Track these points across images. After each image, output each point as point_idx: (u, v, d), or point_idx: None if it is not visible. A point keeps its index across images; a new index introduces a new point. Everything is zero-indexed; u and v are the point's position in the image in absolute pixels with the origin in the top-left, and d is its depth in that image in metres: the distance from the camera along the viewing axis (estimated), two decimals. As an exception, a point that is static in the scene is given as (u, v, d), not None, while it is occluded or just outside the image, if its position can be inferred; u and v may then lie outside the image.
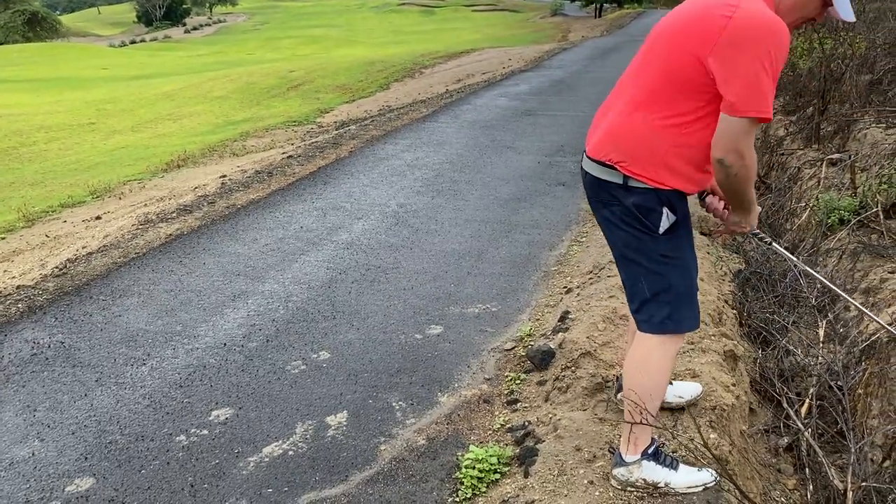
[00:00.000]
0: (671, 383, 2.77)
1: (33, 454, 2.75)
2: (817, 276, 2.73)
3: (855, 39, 7.35)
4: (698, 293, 3.28)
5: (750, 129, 1.95)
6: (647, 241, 2.15)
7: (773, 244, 2.48)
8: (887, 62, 7.02)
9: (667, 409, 2.72)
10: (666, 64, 2.05)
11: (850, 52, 6.62)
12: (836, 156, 5.46)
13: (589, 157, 2.23)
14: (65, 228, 6.25)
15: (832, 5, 2.02)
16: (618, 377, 2.85)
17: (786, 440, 3.41)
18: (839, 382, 3.58)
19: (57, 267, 4.66)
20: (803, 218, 5.13)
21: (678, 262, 2.17)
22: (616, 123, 2.18)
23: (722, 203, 2.36)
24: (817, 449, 2.96)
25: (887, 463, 2.91)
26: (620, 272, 2.33)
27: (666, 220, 2.11)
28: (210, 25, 74.94)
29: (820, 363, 3.66)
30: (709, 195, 2.40)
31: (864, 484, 2.54)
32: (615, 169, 2.12)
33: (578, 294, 3.97)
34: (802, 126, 6.80)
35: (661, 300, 2.18)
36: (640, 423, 2.22)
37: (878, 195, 4.61)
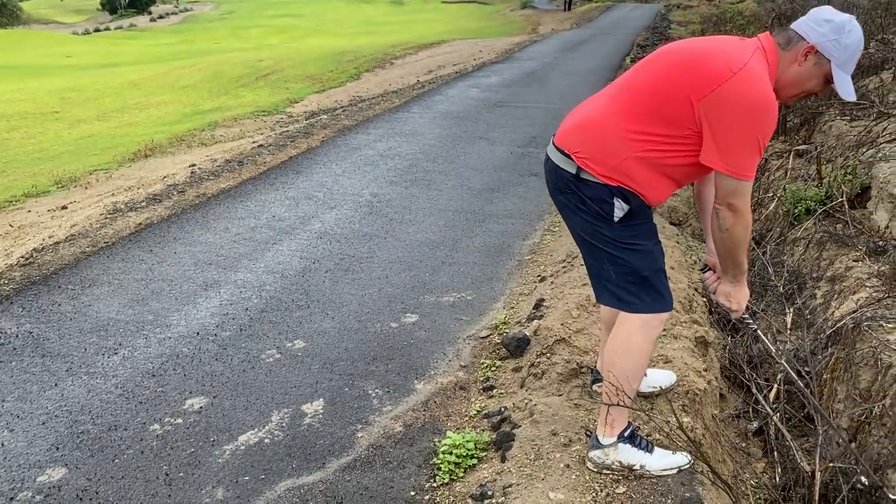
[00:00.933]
0: (645, 373, 2.81)
1: (2, 445, 2.70)
2: (797, 380, 2.84)
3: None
4: (669, 281, 3.33)
5: (738, 188, 2.03)
6: (604, 227, 2.21)
7: (759, 332, 2.63)
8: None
9: (641, 396, 2.76)
10: (656, 86, 2.11)
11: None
12: (802, 147, 5.56)
13: (554, 144, 2.29)
14: (29, 218, 6.12)
15: (833, 83, 2.05)
16: (592, 368, 2.88)
17: (755, 424, 3.49)
18: (806, 368, 3.67)
19: (23, 256, 4.57)
20: (771, 208, 5.22)
21: (639, 248, 2.22)
22: (590, 119, 2.24)
23: (715, 276, 2.45)
24: (785, 433, 3.03)
25: (853, 445, 2.98)
26: (584, 256, 2.39)
27: (619, 210, 2.17)
28: (176, 14, 73.68)
29: (787, 349, 3.73)
30: (708, 270, 2.50)
31: (830, 465, 2.60)
32: (572, 159, 2.17)
33: (552, 282, 4.01)
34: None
35: (629, 282, 2.23)
36: (619, 405, 2.26)
37: (842, 185, 4.71)
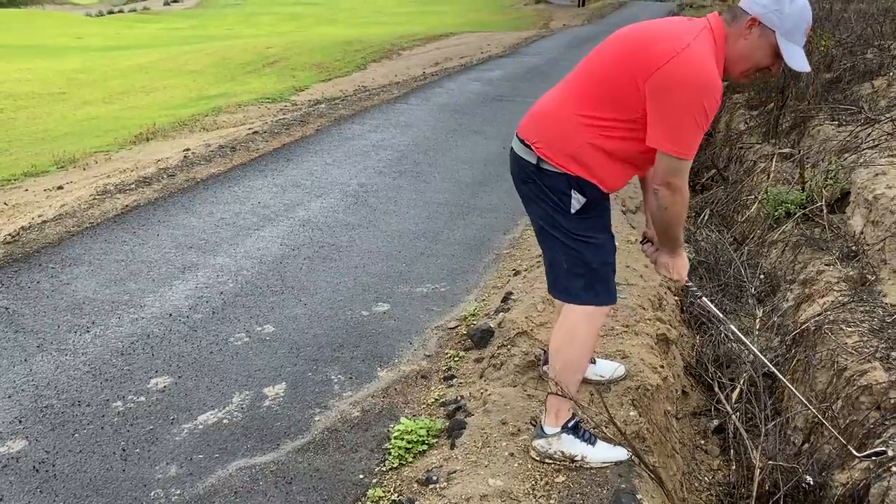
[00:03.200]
0: (594, 361, 2.87)
1: (-33, 416, 2.77)
2: (746, 342, 2.87)
3: (819, 36, 7.48)
4: (640, 278, 3.37)
5: (678, 166, 2.08)
6: (561, 218, 2.26)
7: (704, 299, 2.67)
8: (847, 61, 7.15)
9: (589, 384, 2.81)
10: (606, 72, 2.16)
11: (810, 48, 6.73)
12: (786, 150, 5.58)
13: (516, 135, 2.34)
14: (25, 197, 6.20)
15: (781, 55, 2.07)
16: (545, 350, 2.93)
17: (715, 423, 3.53)
18: (769, 369, 3.71)
19: (10, 234, 4.64)
20: (752, 210, 5.24)
21: (592, 241, 2.27)
22: (545, 109, 2.30)
23: (653, 247, 2.51)
24: (742, 430, 3.08)
25: (806, 446, 3.03)
26: (540, 244, 2.44)
27: (576, 202, 2.21)
28: (191, -2, 73.68)
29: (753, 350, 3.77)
30: (647, 242, 2.57)
31: (770, 462, 2.64)
32: (531, 149, 2.22)
33: (525, 276, 4.05)
34: (762, 121, 6.92)
35: (577, 273, 2.28)
36: (560, 394, 2.31)
37: (823, 190, 4.73)
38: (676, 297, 4.19)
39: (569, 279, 2.31)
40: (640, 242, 2.62)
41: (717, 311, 2.75)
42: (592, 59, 2.25)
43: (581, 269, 2.29)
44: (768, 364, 2.83)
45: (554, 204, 2.25)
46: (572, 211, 2.23)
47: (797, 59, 2.07)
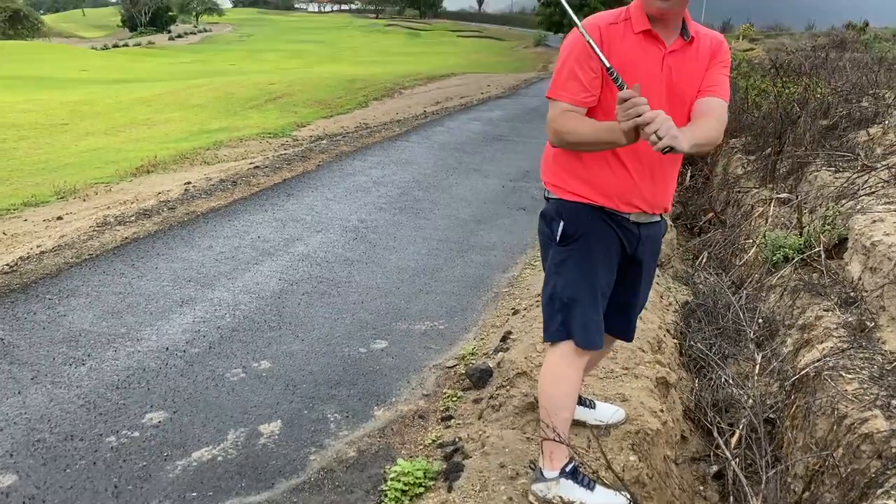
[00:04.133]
0: (593, 406, 2.84)
1: (-42, 448, 2.73)
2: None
3: (815, 83, 7.59)
4: (639, 320, 3.36)
5: (552, 108, 2.18)
6: (550, 248, 2.34)
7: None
8: (843, 108, 7.25)
9: (587, 428, 2.78)
10: None
11: (806, 95, 6.84)
12: (784, 195, 5.62)
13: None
14: (24, 227, 6.20)
15: None
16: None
17: (714, 468, 3.49)
18: (769, 415, 3.69)
19: (7, 264, 4.63)
20: (751, 254, 5.26)
21: (564, 273, 2.28)
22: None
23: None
24: (742, 477, 3.04)
25: (807, 494, 2.99)
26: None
27: (560, 229, 2.27)
28: (195, 34, 74.76)
29: (753, 395, 3.75)
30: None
31: (771, 510, 2.60)
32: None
33: (524, 316, 4.04)
34: (759, 165, 6.98)
35: (553, 307, 2.30)
36: (551, 438, 2.28)
37: (821, 236, 4.75)
38: (675, 341, 4.18)
39: (548, 315, 2.35)
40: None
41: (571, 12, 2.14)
42: None
43: (556, 304, 2.31)
44: None
45: (546, 236, 2.34)
46: (557, 239, 2.29)
47: None
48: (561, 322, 2.28)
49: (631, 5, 2.15)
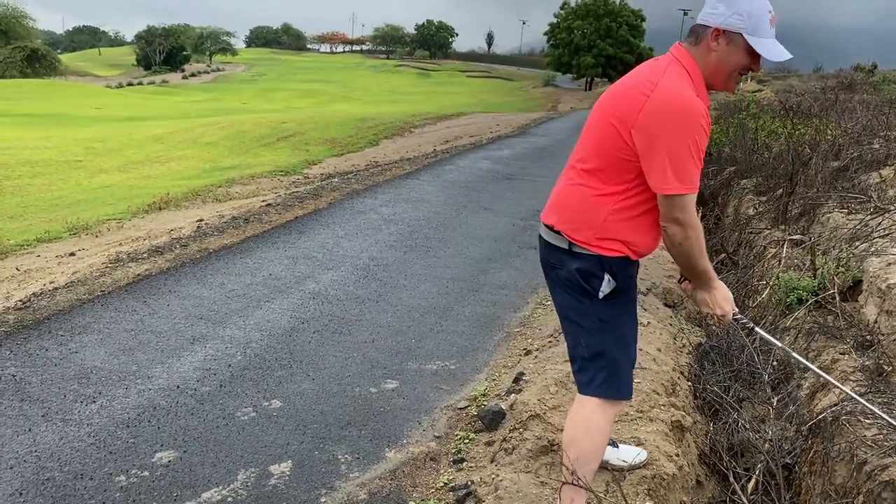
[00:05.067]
0: (617, 446, 2.81)
1: (-33, 487, 2.71)
2: (801, 359, 2.76)
3: (825, 125, 7.62)
4: (653, 362, 3.33)
5: (680, 203, 2.06)
6: (588, 304, 2.23)
7: (756, 328, 2.53)
8: (854, 150, 7.27)
9: (608, 470, 2.74)
10: (597, 138, 2.19)
11: (817, 136, 6.86)
12: (797, 237, 5.60)
13: (542, 222, 2.34)
14: (37, 263, 6.23)
15: (757, 52, 2.09)
16: None
17: (731, 515, 3.42)
18: (786, 460, 3.62)
19: (21, 300, 4.65)
20: (764, 295, 5.22)
21: (615, 329, 2.24)
22: (560, 193, 2.32)
23: (692, 284, 2.42)
24: (760, 525, 2.98)
25: (827, 542, 2.92)
26: (565, 334, 2.40)
27: (607, 285, 2.19)
28: (208, 73, 76.02)
29: (769, 440, 3.69)
30: (685, 279, 2.47)
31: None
32: (562, 235, 2.22)
33: (536, 356, 4.01)
34: (771, 206, 6.98)
35: (599, 363, 2.24)
36: (575, 484, 2.25)
37: (835, 278, 4.72)
38: (689, 383, 4.13)
39: (590, 369, 2.27)
40: (678, 281, 2.54)
41: (775, 340, 2.61)
42: (586, 132, 2.30)
43: (603, 361, 2.25)
44: (812, 366, 2.69)
45: (583, 290, 2.23)
46: (601, 296, 2.20)
47: (773, 51, 2.09)
48: (606, 378, 2.24)
49: (687, 73, 2.11)
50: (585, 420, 2.29)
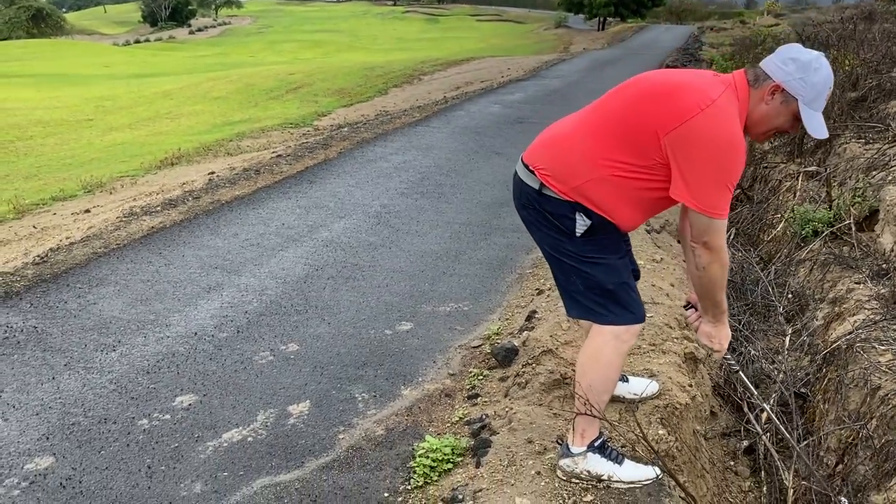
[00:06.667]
0: (627, 380, 2.83)
1: (-4, 433, 2.79)
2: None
3: (843, 55, 7.43)
4: (666, 297, 3.33)
5: (709, 225, 2.05)
6: (567, 242, 2.23)
7: (740, 373, 2.62)
8: (873, 79, 7.09)
9: (620, 402, 2.77)
10: (626, 114, 2.13)
11: (834, 67, 6.69)
12: (812, 169, 5.52)
13: (521, 160, 2.32)
14: (53, 221, 6.29)
15: (801, 121, 2.04)
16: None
17: (745, 443, 3.46)
18: (800, 389, 3.64)
19: (39, 255, 4.71)
20: (779, 229, 5.18)
21: (602, 262, 2.23)
22: (558, 138, 2.28)
23: (697, 314, 2.43)
24: (773, 451, 3.02)
25: (840, 466, 2.96)
26: (552, 270, 2.41)
27: (581, 224, 2.18)
28: (215, 27, 75.08)
29: (784, 370, 3.71)
30: (691, 307, 2.48)
31: (803, 483, 2.58)
32: (535, 174, 2.20)
33: (549, 295, 4.02)
34: (786, 140, 6.87)
35: (596, 295, 2.24)
36: (587, 414, 2.27)
37: (851, 208, 4.67)
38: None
39: (588, 300, 2.27)
40: (684, 307, 2.55)
41: (753, 388, 2.67)
42: (613, 98, 2.22)
43: (598, 291, 2.25)
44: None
45: (557, 229, 2.22)
46: (578, 234, 2.19)
47: (817, 127, 2.04)
48: (609, 306, 2.23)
49: (738, 107, 2.06)
50: (597, 350, 2.30)
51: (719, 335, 2.35)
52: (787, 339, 3.97)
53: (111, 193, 7.37)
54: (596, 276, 2.22)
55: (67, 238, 5.14)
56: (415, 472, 2.60)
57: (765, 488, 3.10)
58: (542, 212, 2.23)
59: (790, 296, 4.47)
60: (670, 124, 2.01)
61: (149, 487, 2.52)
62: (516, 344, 3.41)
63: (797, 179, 5.51)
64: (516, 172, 2.35)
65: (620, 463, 2.38)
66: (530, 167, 2.25)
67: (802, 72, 2.01)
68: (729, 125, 2.00)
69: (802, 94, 2.02)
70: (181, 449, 2.73)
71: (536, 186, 2.22)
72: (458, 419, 2.96)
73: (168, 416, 2.93)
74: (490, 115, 10.50)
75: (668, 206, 2.24)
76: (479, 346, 3.61)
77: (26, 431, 2.81)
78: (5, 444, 2.73)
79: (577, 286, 2.27)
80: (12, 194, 8.00)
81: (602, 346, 2.29)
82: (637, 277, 2.52)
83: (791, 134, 2.18)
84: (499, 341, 3.58)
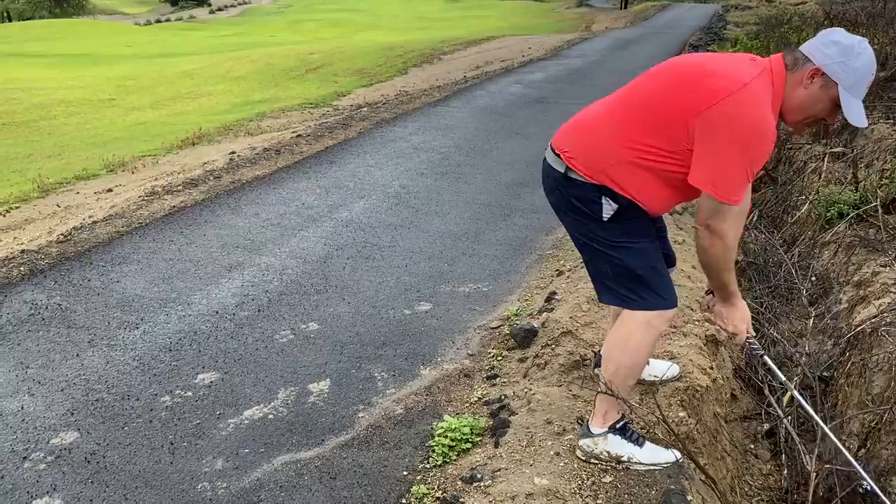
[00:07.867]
0: (648, 362, 2.81)
1: (22, 408, 2.84)
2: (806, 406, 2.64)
3: (872, 34, 7.27)
4: (688, 279, 3.30)
5: (718, 209, 2.01)
6: (595, 227, 2.20)
7: (765, 357, 2.47)
8: (903, 59, 6.95)
9: (640, 384, 2.76)
10: (657, 99, 2.09)
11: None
12: (839, 150, 5.43)
13: (550, 146, 2.30)
14: (77, 200, 6.36)
15: (840, 108, 1.98)
16: (596, 352, 2.88)
17: (766, 426, 3.44)
18: (823, 372, 3.61)
19: (62, 234, 4.76)
20: (803, 211, 5.11)
21: (632, 246, 2.20)
22: (585, 121, 2.27)
23: (712, 295, 2.40)
24: (794, 435, 2.99)
25: (863, 451, 2.93)
26: (582, 256, 2.38)
27: (608, 208, 2.15)
28: (235, 7, 75.05)
29: (806, 353, 3.67)
30: (709, 292, 2.43)
31: (827, 466, 2.55)
32: (561, 158, 2.18)
33: (569, 277, 4.01)
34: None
35: (626, 279, 2.22)
36: (610, 394, 2.26)
37: (878, 190, 4.59)
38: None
39: (619, 286, 2.25)
40: (706, 293, 2.51)
41: (780, 373, 2.57)
42: (643, 82, 2.19)
43: (628, 276, 2.22)
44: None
45: (584, 213, 2.19)
46: (605, 218, 2.16)
47: (857, 114, 1.98)
48: (641, 291, 2.20)
49: (773, 91, 2.01)
50: (627, 335, 2.27)
51: (732, 317, 2.32)
52: (811, 321, 3.92)
53: (133, 173, 7.42)
54: (624, 261, 2.20)
55: (90, 217, 5.20)
56: (434, 451, 2.61)
57: (785, 471, 3.08)
58: (567, 196, 2.21)
59: (814, 278, 4.41)
60: (701, 105, 1.98)
61: (171, 463, 2.56)
62: (535, 325, 3.40)
63: (823, 161, 5.42)
64: (545, 158, 2.33)
65: (641, 445, 2.37)
66: (557, 151, 2.23)
67: (844, 55, 1.95)
68: (758, 110, 1.95)
69: (843, 78, 1.95)
70: (203, 426, 2.77)
71: (562, 170, 2.20)
72: (476, 399, 2.97)
73: (190, 393, 2.97)
74: (510, 95, 10.42)
75: (698, 192, 2.21)
76: (499, 326, 3.61)
77: (52, 407, 2.86)
78: (31, 418, 2.78)
79: (607, 272, 2.25)
80: (36, 173, 8.09)
81: (633, 331, 2.26)
82: (672, 264, 2.50)
83: (829, 123, 2.12)
84: (518, 322, 3.57)
